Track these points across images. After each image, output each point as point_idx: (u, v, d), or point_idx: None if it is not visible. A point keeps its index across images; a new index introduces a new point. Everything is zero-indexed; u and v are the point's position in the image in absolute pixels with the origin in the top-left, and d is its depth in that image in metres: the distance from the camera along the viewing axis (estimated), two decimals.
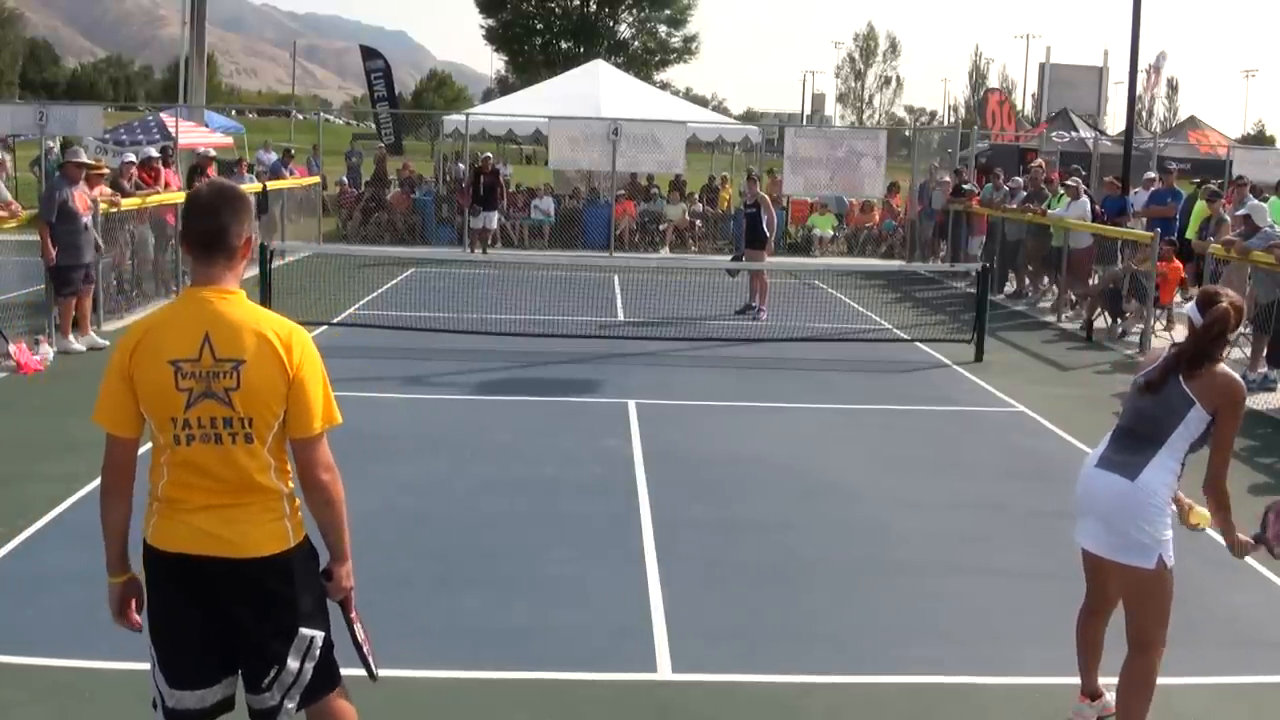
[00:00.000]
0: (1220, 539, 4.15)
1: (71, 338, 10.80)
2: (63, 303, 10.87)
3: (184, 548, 3.04)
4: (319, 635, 3.16)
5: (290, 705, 3.15)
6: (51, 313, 10.86)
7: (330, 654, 3.21)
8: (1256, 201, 11.72)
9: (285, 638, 3.10)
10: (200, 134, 23.68)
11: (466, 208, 20.60)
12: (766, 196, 14.81)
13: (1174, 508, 4.09)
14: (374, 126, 31.38)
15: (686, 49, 56.42)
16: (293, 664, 3.12)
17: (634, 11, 56.04)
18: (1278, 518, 4.11)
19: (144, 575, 3.17)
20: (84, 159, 11.41)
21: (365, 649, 3.31)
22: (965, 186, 18.99)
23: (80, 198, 10.91)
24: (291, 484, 3.14)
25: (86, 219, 10.94)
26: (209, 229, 3.03)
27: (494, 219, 20.45)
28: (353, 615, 3.31)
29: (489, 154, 22.42)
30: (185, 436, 3.00)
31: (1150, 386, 4.07)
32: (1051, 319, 14.94)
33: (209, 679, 3.13)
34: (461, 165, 23.58)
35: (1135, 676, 4.03)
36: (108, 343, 10.79)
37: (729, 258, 16.64)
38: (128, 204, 12.26)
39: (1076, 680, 4.66)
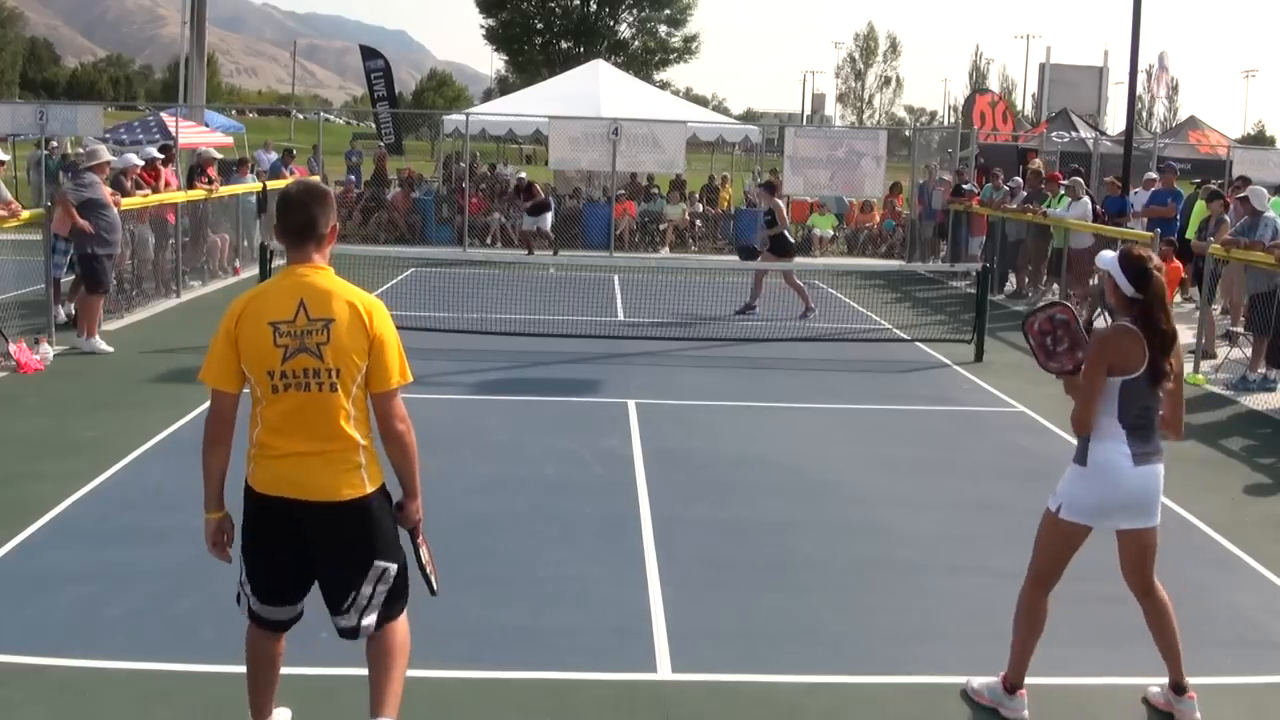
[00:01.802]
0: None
1: (97, 339, 10.77)
2: (92, 300, 10.82)
3: (277, 490, 3.54)
4: (393, 566, 3.68)
5: (368, 622, 3.67)
6: (52, 312, 10.84)
7: (403, 582, 3.73)
8: (1259, 187, 11.71)
9: (361, 569, 3.62)
10: (200, 134, 23.65)
11: (523, 213, 21.27)
12: (779, 203, 14.83)
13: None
14: (374, 126, 31.39)
15: (686, 49, 56.47)
16: (365, 589, 3.63)
17: (634, 11, 56.06)
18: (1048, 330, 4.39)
19: (243, 508, 3.64)
20: (107, 157, 11.39)
21: (429, 569, 3.83)
22: (965, 186, 18.99)
23: (106, 191, 10.98)
24: (369, 437, 3.62)
25: (115, 211, 11.02)
26: (302, 220, 3.56)
27: (547, 220, 20.92)
28: (420, 540, 3.82)
29: (523, 174, 22.77)
30: (282, 385, 3.49)
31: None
32: None
33: (288, 600, 3.72)
34: (463, 165, 23.59)
35: (1168, 608, 4.48)
36: (112, 349, 10.74)
37: (734, 257, 16.61)
38: (128, 204, 12.24)
39: (1076, 680, 4.67)
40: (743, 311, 14.24)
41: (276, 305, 3.49)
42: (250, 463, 3.58)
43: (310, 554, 3.63)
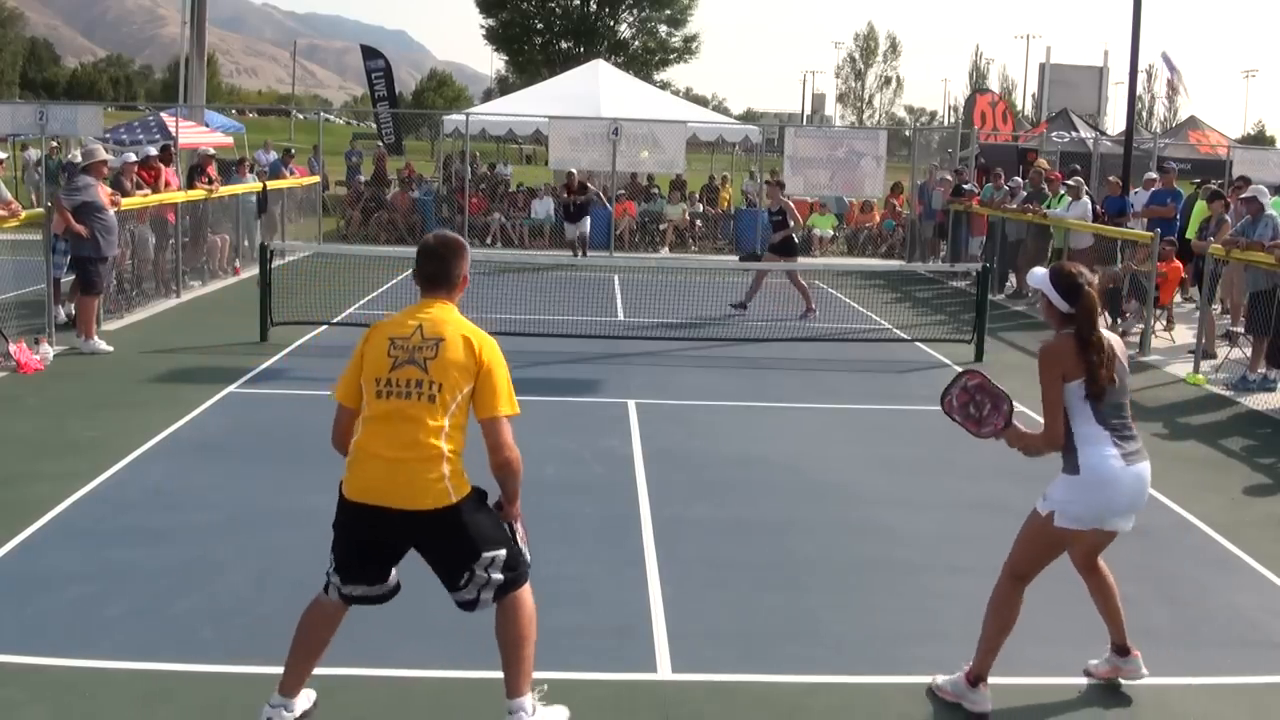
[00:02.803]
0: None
1: (96, 339, 10.76)
2: (87, 301, 10.77)
3: (365, 499, 3.82)
4: (501, 552, 3.93)
5: (486, 597, 3.95)
6: (51, 312, 10.82)
7: (516, 560, 3.98)
8: (1261, 186, 11.73)
9: (469, 560, 3.89)
10: (200, 134, 23.65)
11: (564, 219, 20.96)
12: (790, 203, 14.79)
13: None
14: (374, 126, 31.40)
15: (686, 49, 56.48)
16: (480, 572, 3.90)
17: (634, 11, 56.06)
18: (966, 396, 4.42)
19: (335, 513, 3.95)
20: (104, 156, 11.37)
21: (523, 544, 4.08)
22: (965, 186, 18.99)
23: (104, 192, 10.96)
24: (457, 453, 3.86)
25: (112, 212, 11.00)
26: (435, 270, 4.05)
27: (586, 224, 20.66)
28: (515, 524, 4.08)
29: (573, 170, 21.04)
30: (386, 392, 3.84)
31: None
32: None
33: (376, 579, 4.00)
34: (463, 164, 23.60)
35: (1110, 579, 4.64)
36: (112, 348, 10.73)
37: (735, 258, 16.52)
38: (128, 204, 12.24)
39: (1077, 680, 4.67)
40: (738, 307, 14.22)
41: (399, 326, 3.95)
42: (346, 470, 3.90)
43: (413, 548, 3.96)
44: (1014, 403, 4.33)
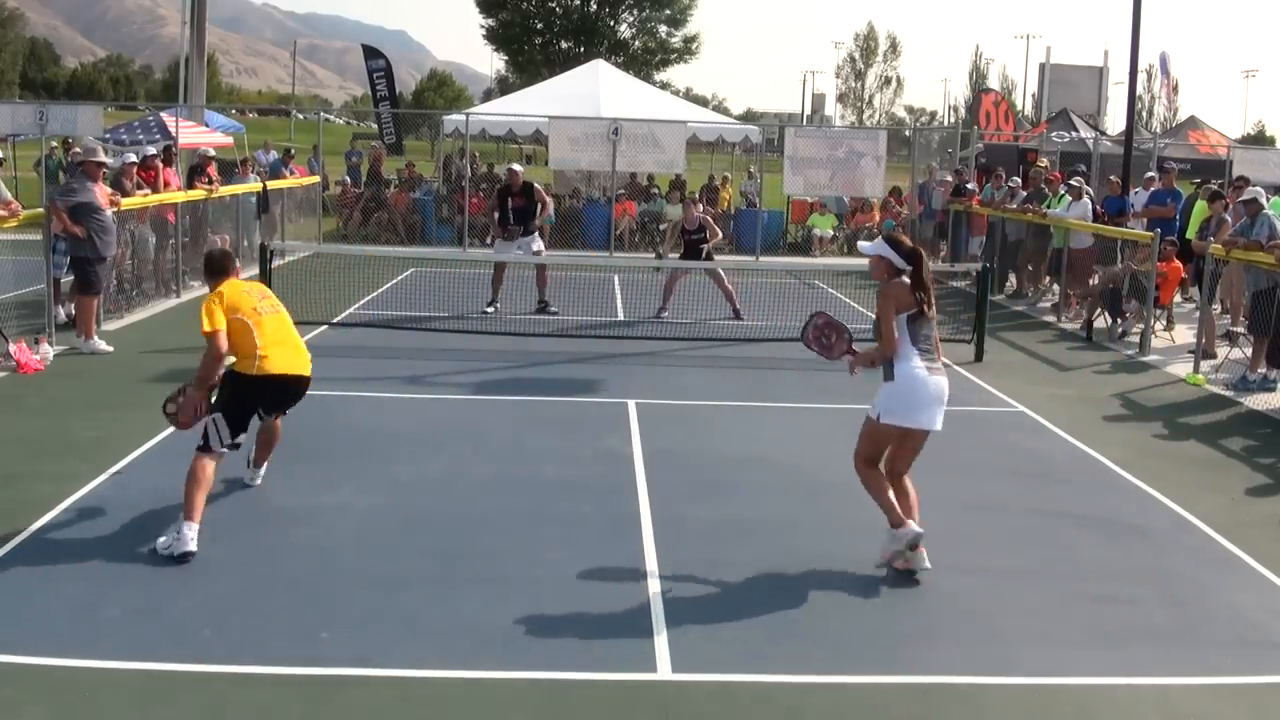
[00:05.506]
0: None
1: (96, 339, 10.76)
2: (86, 301, 10.74)
3: (281, 370, 6.13)
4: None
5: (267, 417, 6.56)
6: (51, 312, 10.81)
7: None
8: (1258, 188, 11.73)
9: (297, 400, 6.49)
10: (200, 134, 23.64)
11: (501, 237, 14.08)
12: (710, 219, 14.56)
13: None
14: (374, 126, 31.37)
15: (686, 49, 56.46)
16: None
17: (634, 11, 56.05)
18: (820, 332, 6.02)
19: (235, 387, 6.09)
20: (102, 157, 11.34)
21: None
22: (967, 186, 18.98)
23: (101, 193, 10.94)
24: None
25: (109, 213, 10.98)
26: (230, 267, 6.61)
27: (535, 243, 14.12)
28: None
29: (516, 166, 15.29)
30: (263, 311, 6.20)
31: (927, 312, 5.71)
32: (1051, 319, 14.93)
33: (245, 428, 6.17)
34: (464, 163, 23.59)
35: (911, 490, 5.91)
36: (112, 348, 10.74)
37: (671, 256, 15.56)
38: (128, 204, 12.22)
39: (1076, 680, 4.68)
40: (658, 315, 13.81)
41: (244, 293, 6.29)
42: (251, 363, 6.05)
43: (274, 405, 6.44)
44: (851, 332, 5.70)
